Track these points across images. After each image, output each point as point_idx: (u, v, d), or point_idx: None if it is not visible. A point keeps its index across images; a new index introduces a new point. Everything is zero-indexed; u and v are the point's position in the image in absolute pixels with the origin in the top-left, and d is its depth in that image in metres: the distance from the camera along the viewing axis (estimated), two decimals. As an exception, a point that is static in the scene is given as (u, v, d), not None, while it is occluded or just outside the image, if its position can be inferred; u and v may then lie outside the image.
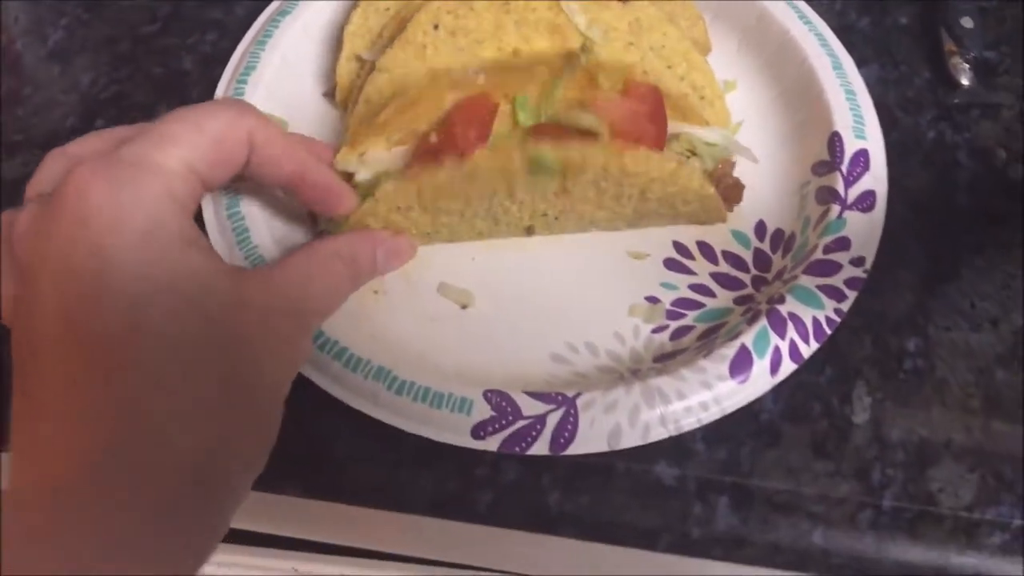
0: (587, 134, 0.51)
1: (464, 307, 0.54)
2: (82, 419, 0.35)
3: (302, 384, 0.48)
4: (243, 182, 0.52)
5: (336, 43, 0.61)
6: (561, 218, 0.55)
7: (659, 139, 0.52)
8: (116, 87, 0.67)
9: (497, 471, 0.50)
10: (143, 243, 0.37)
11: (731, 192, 0.56)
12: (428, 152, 0.50)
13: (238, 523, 0.63)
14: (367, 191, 0.51)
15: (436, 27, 0.54)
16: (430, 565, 0.69)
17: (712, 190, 0.54)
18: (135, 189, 0.38)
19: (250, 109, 0.45)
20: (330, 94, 0.62)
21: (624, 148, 0.50)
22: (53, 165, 0.43)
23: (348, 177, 0.51)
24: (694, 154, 0.55)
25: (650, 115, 0.52)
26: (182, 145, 0.41)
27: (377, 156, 0.51)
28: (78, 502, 0.34)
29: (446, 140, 0.50)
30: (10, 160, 0.62)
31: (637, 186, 0.52)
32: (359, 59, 0.59)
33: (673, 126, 0.54)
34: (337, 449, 0.51)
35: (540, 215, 0.54)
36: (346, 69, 0.59)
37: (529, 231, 0.56)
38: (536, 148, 0.49)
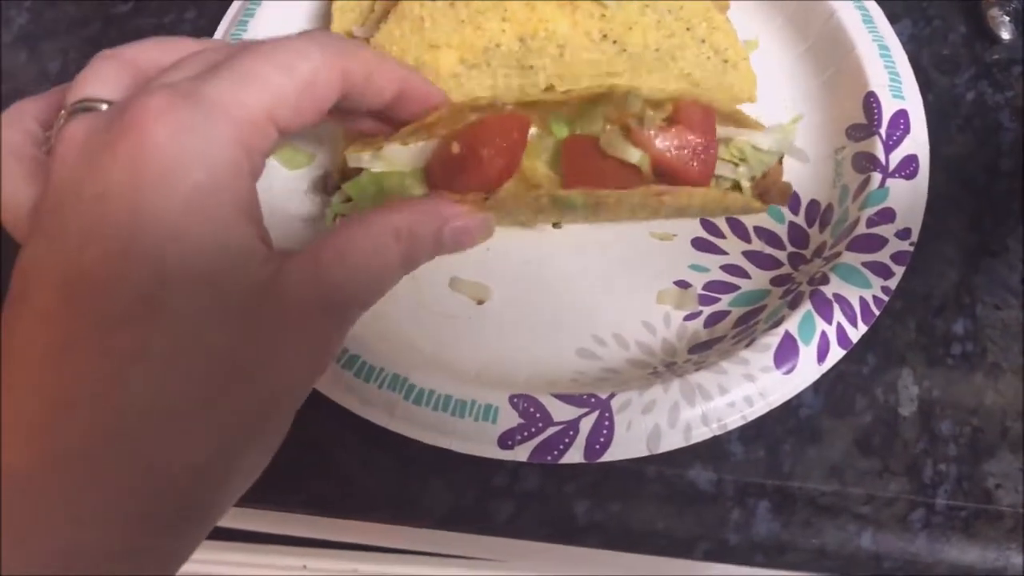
0: (625, 165, 0.47)
1: (480, 302, 0.51)
2: (58, 400, 0.31)
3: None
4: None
5: (324, 19, 0.57)
6: (590, 218, 0.51)
7: (705, 176, 0.48)
8: (88, 73, 0.61)
9: (517, 479, 0.47)
10: (188, 208, 0.33)
11: (778, 198, 0.52)
12: (449, 165, 0.45)
13: (245, 525, 0.58)
14: (379, 184, 0.46)
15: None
16: (443, 558, 0.66)
17: (758, 204, 0.50)
18: (203, 138, 0.33)
19: (345, 45, 0.39)
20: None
21: (665, 191, 0.46)
22: (104, 68, 0.37)
23: (357, 172, 0.47)
24: (743, 160, 0.50)
25: (700, 149, 0.47)
26: (267, 89, 0.35)
27: (393, 151, 0.47)
28: (34, 500, 0.30)
29: (471, 160, 0.45)
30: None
31: (675, 204, 0.48)
32: (351, 36, 0.54)
33: (724, 131, 0.49)
34: (342, 460, 0.47)
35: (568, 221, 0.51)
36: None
37: (555, 226, 0.52)
38: (567, 194, 0.45)
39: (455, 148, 0.45)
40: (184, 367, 0.32)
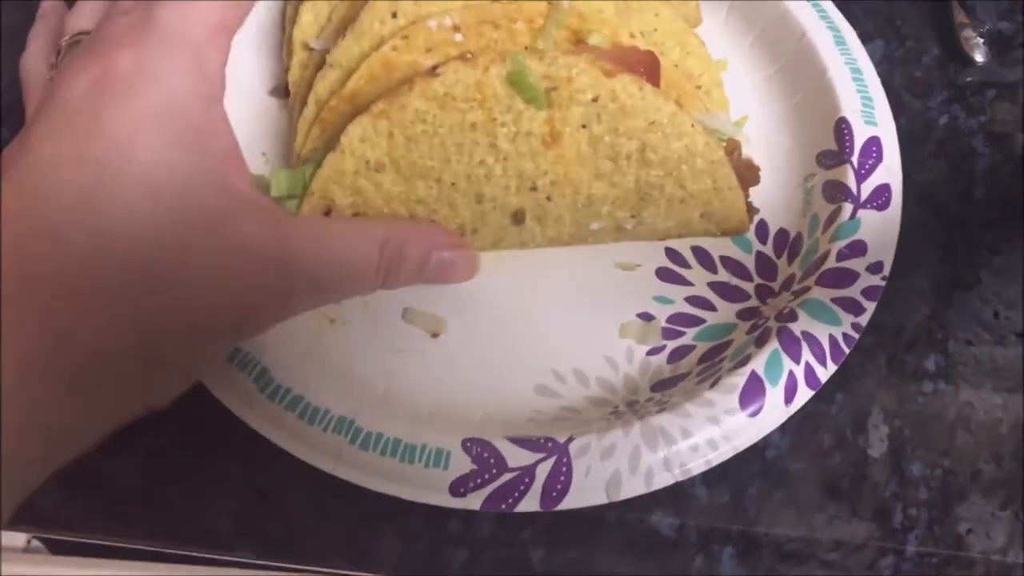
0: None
1: (435, 335, 0.48)
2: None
3: (249, 433, 0.42)
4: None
5: (283, 35, 0.54)
6: (554, 196, 0.48)
7: (653, 82, 0.47)
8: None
9: (471, 526, 0.45)
10: (140, 124, 0.35)
11: (745, 172, 0.50)
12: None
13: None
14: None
15: (395, 15, 0.47)
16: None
17: (720, 153, 0.48)
18: (162, 63, 0.36)
19: None
20: (276, 92, 0.55)
21: (615, 72, 0.45)
22: (85, 7, 0.49)
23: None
24: None
25: (645, 74, 0.46)
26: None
27: None
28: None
29: None
30: None
31: (636, 137, 0.46)
32: (306, 47, 0.52)
33: None
34: (291, 505, 0.45)
35: (528, 189, 0.47)
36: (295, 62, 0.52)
37: (517, 217, 0.49)
38: (515, 58, 0.43)
39: None
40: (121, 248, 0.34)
